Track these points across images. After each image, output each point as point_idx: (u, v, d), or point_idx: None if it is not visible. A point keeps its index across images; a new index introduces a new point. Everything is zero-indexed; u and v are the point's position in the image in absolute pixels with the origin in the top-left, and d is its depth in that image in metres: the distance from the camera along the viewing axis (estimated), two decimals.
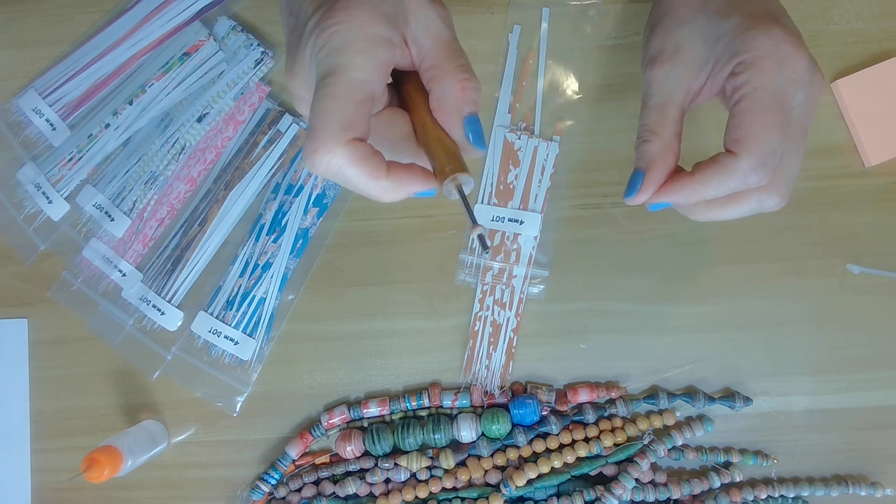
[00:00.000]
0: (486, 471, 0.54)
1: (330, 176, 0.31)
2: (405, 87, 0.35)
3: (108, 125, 0.55)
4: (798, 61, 0.36)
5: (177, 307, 0.56)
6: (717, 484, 0.54)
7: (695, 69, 0.38)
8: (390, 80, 0.36)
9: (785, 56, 0.35)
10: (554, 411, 0.55)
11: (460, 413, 0.55)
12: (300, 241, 0.56)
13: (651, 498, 0.54)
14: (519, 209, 0.55)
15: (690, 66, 0.38)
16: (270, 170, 0.56)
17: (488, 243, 0.32)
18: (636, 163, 0.39)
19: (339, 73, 0.30)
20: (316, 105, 0.31)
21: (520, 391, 0.55)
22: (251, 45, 0.56)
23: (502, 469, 0.55)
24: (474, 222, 0.32)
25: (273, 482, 0.55)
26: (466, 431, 0.54)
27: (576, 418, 0.55)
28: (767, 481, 0.55)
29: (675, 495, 0.54)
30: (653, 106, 0.39)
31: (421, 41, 0.33)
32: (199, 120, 0.56)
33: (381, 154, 0.32)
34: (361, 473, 0.55)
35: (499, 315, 0.55)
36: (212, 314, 0.56)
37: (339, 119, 0.30)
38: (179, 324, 0.56)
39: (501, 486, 0.53)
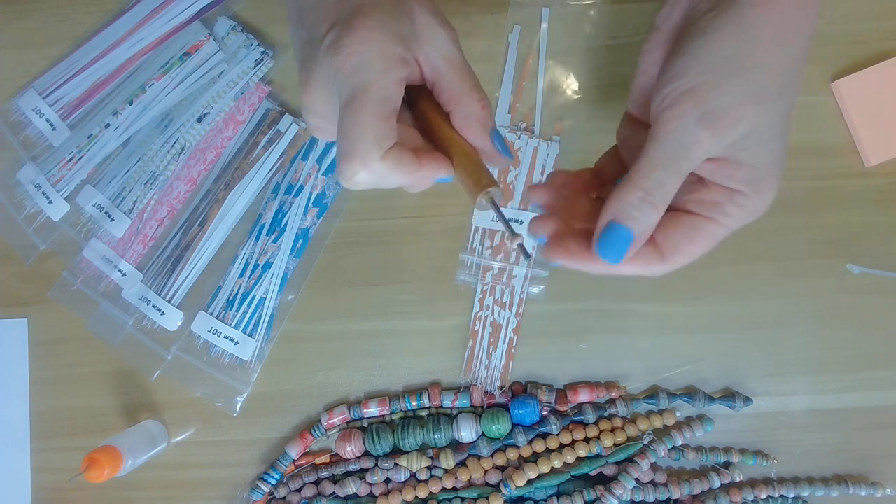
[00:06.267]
0: (486, 471, 0.54)
1: (372, 187, 0.33)
2: (421, 105, 0.36)
3: (108, 125, 0.55)
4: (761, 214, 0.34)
5: (177, 307, 0.56)
6: (717, 484, 0.54)
7: (721, 154, 0.31)
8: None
9: (763, 210, 0.33)
10: (554, 411, 0.55)
11: (460, 413, 0.55)
12: (300, 241, 0.56)
13: (651, 498, 0.54)
14: (519, 209, 0.55)
15: (732, 151, 0.31)
16: (270, 170, 0.56)
17: (529, 251, 0.32)
18: (627, 222, 0.31)
19: (363, 93, 0.31)
20: (346, 127, 0.31)
21: (520, 391, 0.55)
22: (251, 45, 0.56)
23: (502, 469, 0.55)
24: (512, 232, 0.33)
25: (273, 482, 0.55)
26: (466, 431, 0.54)
27: (576, 418, 0.55)
28: (767, 481, 0.55)
29: (675, 495, 0.54)
30: (683, 169, 0.31)
31: (433, 62, 0.34)
32: (199, 120, 0.56)
33: (409, 150, 0.33)
34: (361, 473, 0.55)
35: (499, 315, 0.55)
36: (212, 314, 0.56)
37: (372, 138, 0.31)
38: (179, 324, 0.56)
39: (501, 486, 0.53)
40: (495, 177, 0.55)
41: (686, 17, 0.34)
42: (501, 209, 0.34)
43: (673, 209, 0.33)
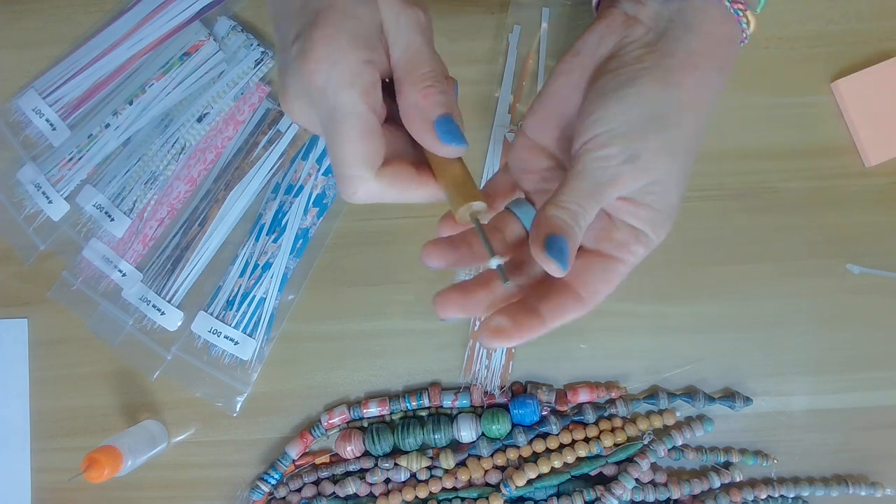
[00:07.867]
0: (486, 471, 0.54)
1: (374, 202, 0.33)
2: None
3: (108, 125, 0.55)
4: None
5: (177, 307, 0.56)
6: (717, 484, 0.54)
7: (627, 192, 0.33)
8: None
9: (656, 246, 0.35)
10: (554, 411, 0.55)
11: (460, 413, 0.55)
12: (300, 241, 0.56)
13: (651, 498, 0.54)
14: None
15: (640, 189, 0.33)
16: (270, 170, 0.56)
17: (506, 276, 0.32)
18: (564, 232, 0.32)
19: (338, 116, 0.31)
20: (332, 152, 0.32)
21: (520, 391, 0.55)
22: (251, 45, 0.56)
23: (502, 469, 0.55)
24: (492, 252, 0.31)
25: (273, 482, 0.55)
26: (466, 431, 0.54)
27: (576, 418, 0.55)
28: (767, 481, 0.55)
29: (675, 495, 0.54)
30: (602, 200, 0.33)
31: (393, 51, 0.33)
32: (199, 120, 0.56)
33: (405, 164, 0.33)
34: (361, 473, 0.55)
35: None
36: (212, 314, 0.56)
37: (359, 159, 0.31)
38: (179, 324, 0.56)
39: (501, 486, 0.53)
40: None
41: (613, 54, 0.35)
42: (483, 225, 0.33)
43: (584, 251, 0.35)
